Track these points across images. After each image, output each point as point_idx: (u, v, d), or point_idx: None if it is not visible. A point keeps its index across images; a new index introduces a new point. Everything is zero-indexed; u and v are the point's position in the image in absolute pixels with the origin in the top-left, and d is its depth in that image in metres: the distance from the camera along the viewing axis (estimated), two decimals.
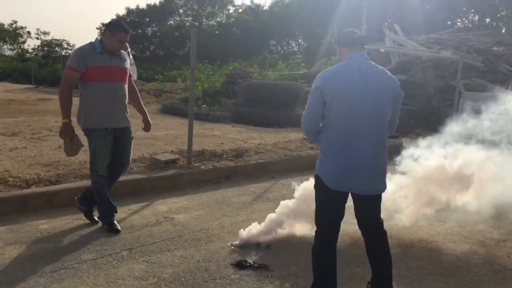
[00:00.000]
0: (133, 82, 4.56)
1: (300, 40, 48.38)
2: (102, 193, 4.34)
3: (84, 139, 4.30)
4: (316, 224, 3.08)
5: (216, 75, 19.11)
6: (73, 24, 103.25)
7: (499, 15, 34.42)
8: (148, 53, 50.97)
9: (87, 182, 4.88)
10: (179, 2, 52.24)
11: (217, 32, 46.42)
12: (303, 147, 7.91)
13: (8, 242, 3.95)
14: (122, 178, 5.51)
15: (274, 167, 6.89)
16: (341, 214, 3.05)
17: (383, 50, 15.40)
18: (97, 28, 54.57)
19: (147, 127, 4.71)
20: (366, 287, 3.21)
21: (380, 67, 3.04)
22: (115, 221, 4.39)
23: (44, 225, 4.33)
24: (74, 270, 3.48)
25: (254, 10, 49.23)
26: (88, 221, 4.51)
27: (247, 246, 4.04)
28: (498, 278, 3.62)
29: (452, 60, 13.46)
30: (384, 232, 3.09)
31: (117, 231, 4.28)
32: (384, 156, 2.99)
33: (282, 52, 45.18)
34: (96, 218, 4.48)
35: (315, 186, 3.06)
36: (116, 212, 4.46)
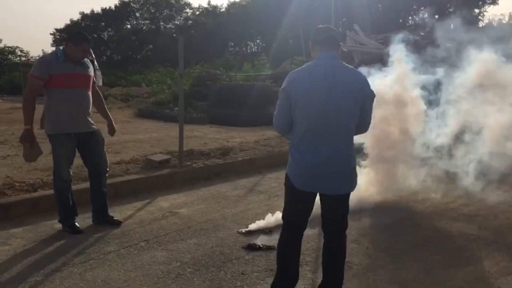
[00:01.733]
0: (97, 88, 4.73)
1: (258, 41, 49.06)
2: (64, 198, 4.49)
3: (48, 145, 4.43)
4: (283, 219, 3.16)
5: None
6: (25, 30, 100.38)
7: (447, 12, 36.12)
8: (105, 57, 50.31)
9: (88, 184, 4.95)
10: (135, 5, 51.88)
11: (175, 35, 46.35)
12: (283, 143, 8.39)
13: (31, 241, 4.23)
14: (122, 178, 5.88)
15: (259, 162, 7.36)
16: (307, 213, 3.07)
17: (345, 49, 16.10)
18: (51, 34, 53.56)
19: (111, 131, 4.87)
20: None
21: (351, 67, 3.01)
22: (76, 223, 4.53)
23: (59, 224, 4.56)
24: (102, 260, 3.82)
25: (212, 12, 49.53)
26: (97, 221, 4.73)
27: (252, 232, 4.47)
28: (473, 246, 4.20)
29: None
30: (345, 237, 3.11)
31: (80, 232, 4.43)
32: (349, 158, 2.97)
33: (241, 53, 45.62)
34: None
35: (285, 184, 3.10)
36: (76, 215, 4.59)
